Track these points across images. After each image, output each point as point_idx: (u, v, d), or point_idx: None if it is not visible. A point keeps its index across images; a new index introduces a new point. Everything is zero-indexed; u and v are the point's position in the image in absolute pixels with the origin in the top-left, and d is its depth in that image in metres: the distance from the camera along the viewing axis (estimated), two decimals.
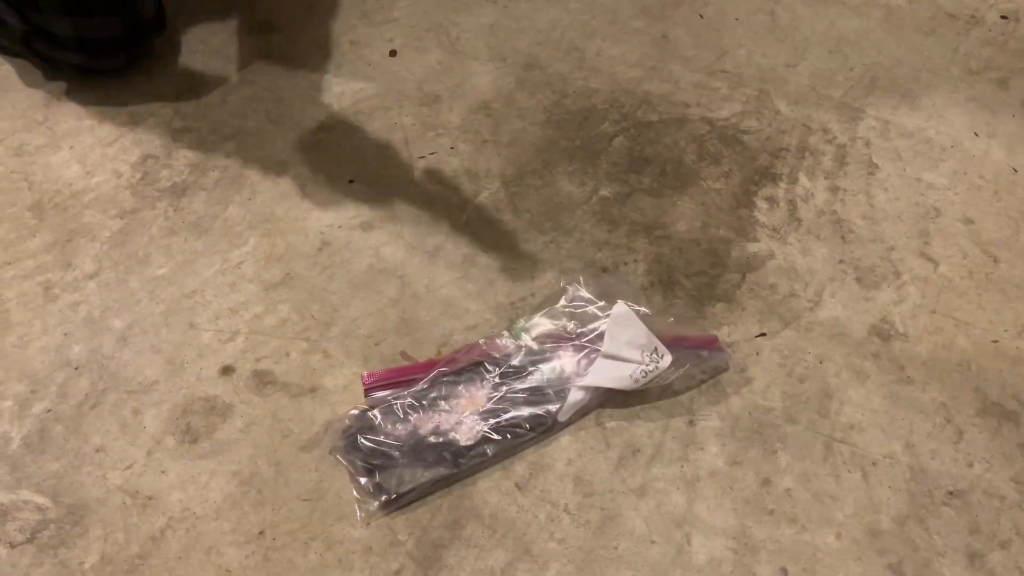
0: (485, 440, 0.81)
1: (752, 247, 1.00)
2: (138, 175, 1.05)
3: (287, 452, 0.82)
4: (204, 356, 0.89)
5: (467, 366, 0.86)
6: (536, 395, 0.84)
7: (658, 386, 0.85)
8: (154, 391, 0.86)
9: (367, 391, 0.84)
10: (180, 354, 0.89)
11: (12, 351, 0.88)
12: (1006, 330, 0.93)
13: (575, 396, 0.83)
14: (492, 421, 0.82)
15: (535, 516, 0.79)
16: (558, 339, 0.88)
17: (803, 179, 1.07)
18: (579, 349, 0.87)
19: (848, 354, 0.91)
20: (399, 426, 0.81)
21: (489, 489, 0.80)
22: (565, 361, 0.86)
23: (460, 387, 0.85)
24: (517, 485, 0.80)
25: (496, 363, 0.86)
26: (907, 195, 1.06)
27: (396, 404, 0.83)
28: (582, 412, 0.85)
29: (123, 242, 0.98)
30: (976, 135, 1.13)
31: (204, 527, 0.77)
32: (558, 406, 0.83)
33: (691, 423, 0.85)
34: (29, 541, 0.76)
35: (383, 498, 0.78)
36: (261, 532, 0.77)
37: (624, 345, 0.85)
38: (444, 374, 0.85)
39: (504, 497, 0.80)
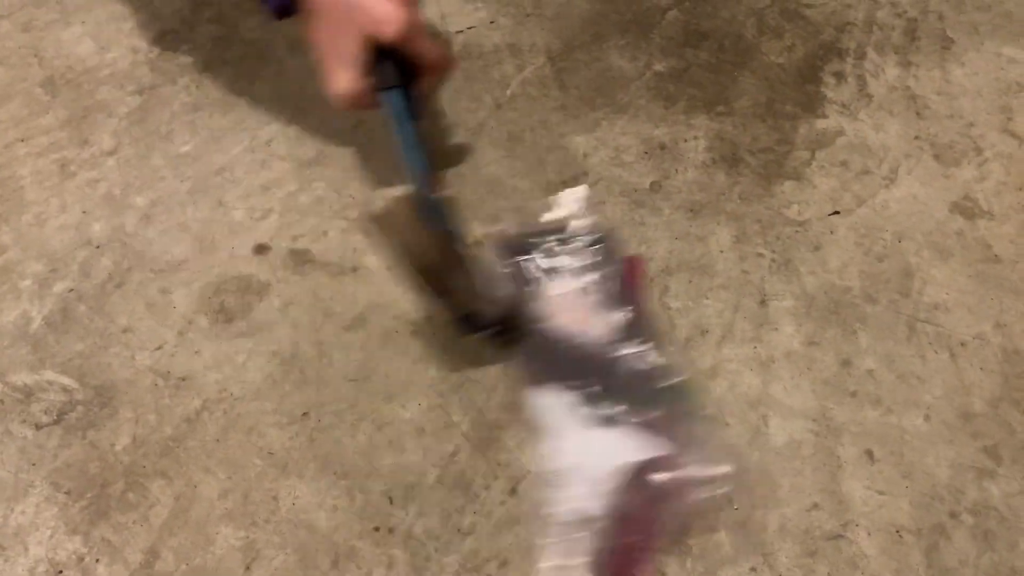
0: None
1: (820, 123, 0.92)
2: (156, 51, 0.97)
3: (330, 332, 0.76)
4: (236, 234, 0.82)
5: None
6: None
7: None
8: (183, 269, 0.80)
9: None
10: (209, 232, 0.82)
11: (29, 230, 0.82)
12: None
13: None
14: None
15: None
16: None
17: (872, 54, 0.99)
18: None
19: (929, 232, 0.84)
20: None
21: None
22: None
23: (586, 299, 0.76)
24: None
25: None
26: (986, 70, 0.98)
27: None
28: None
29: (143, 118, 0.91)
30: None
31: (243, 408, 0.72)
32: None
33: (763, 303, 0.79)
34: (56, 423, 0.71)
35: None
36: (305, 413, 0.71)
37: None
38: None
39: None
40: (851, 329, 0.77)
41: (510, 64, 0.97)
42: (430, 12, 1.02)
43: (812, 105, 0.94)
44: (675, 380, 0.71)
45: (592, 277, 0.77)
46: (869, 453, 0.70)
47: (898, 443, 0.71)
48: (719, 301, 0.79)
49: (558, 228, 0.81)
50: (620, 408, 0.69)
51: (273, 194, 0.85)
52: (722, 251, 0.82)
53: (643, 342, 0.73)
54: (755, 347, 0.76)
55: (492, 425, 0.71)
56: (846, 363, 0.75)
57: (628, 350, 0.73)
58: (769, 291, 0.79)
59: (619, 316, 0.75)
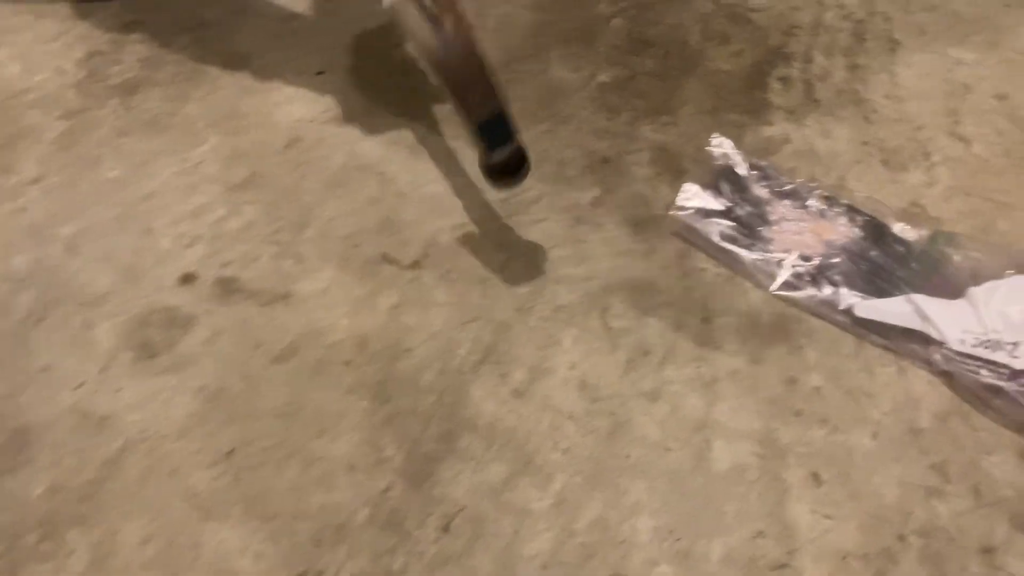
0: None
1: (767, 130, 0.91)
2: (84, 72, 0.95)
3: (258, 364, 0.73)
4: (163, 263, 0.79)
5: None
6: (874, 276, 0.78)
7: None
8: (107, 302, 0.77)
9: None
10: (136, 262, 0.80)
11: None
12: None
13: (893, 306, 0.76)
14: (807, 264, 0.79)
15: (537, 425, 0.70)
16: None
17: (819, 58, 0.98)
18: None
19: None
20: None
21: (484, 397, 0.72)
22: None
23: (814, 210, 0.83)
24: (515, 392, 0.72)
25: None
26: (933, 71, 0.96)
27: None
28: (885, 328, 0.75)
29: (70, 144, 0.88)
30: (1007, 6, 1.03)
31: (167, 448, 0.69)
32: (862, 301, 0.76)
33: (706, 320, 0.77)
34: None
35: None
36: (231, 451, 0.69)
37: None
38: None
39: (501, 405, 0.71)
40: (797, 345, 0.75)
41: None
42: (366, 25, 0.99)
43: (758, 112, 0.92)
44: (936, 236, 0.80)
45: (795, 200, 0.83)
46: (815, 475, 0.68)
47: (845, 463, 0.69)
48: (662, 319, 0.77)
49: (728, 170, 0.85)
50: (935, 278, 0.77)
51: (203, 219, 0.82)
52: (665, 267, 0.80)
53: (891, 228, 0.81)
54: (698, 367, 0.74)
55: (427, 458, 0.69)
56: (792, 381, 0.73)
57: (889, 240, 0.80)
58: (712, 308, 0.77)
59: (853, 221, 0.82)
